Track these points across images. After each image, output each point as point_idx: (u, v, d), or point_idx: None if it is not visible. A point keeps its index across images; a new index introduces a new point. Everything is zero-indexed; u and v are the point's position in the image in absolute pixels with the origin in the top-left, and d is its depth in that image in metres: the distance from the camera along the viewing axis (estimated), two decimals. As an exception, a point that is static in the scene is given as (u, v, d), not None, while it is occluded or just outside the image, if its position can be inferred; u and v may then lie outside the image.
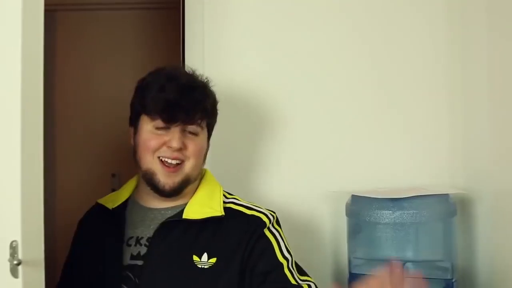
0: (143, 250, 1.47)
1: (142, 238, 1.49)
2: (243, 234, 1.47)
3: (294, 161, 1.99)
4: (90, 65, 2.83)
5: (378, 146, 1.98)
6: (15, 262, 1.05)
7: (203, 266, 1.43)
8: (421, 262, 1.78)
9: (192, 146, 1.48)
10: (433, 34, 1.99)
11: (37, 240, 1.11)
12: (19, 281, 1.06)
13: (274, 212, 1.56)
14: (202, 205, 1.51)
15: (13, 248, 1.06)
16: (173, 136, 1.45)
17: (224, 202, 1.54)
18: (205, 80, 1.56)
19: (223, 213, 1.50)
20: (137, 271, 1.44)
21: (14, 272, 1.06)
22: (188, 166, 1.49)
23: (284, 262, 1.46)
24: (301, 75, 2.00)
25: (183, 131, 1.47)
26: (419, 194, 1.76)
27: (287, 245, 1.52)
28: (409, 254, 1.76)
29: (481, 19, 1.86)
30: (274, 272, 1.44)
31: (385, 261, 1.68)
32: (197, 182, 1.57)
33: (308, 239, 1.97)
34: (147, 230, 1.49)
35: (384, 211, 1.75)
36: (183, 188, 1.50)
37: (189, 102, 1.46)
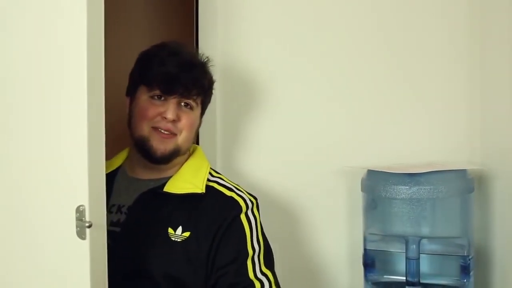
0: (123, 217, 1.57)
1: (123, 206, 1.59)
2: (218, 215, 1.56)
3: (310, 137, 2.03)
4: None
5: (395, 122, 2.01)
6: (86, 224, 1.17)
7: (176, 239, 1.53)
8: (437, 239, 1.83)
9: (186, 119, 1.59)
10: (451, 5, 2.00)
11: (101, 205, 1.24)
12: (86, 242, 1.18)
13: (256, 198, 1.65)
14: (185, 181, 1.60)
15: (80, 212, 1.18)
16: (169, 108, 1.56)
17: (208, 180, 1.62)
18: (205, 60, 1.67)
19: (204, 191, 1.58)
20: (114, 237, 1.50)
21: (81, 234, 1.18)
22: (180, 138, 1.58)
23: (250, 253, 1.54)
24: (314, 50, 2.03)
25: (179, 104, 1.58)
26: (437, 170, 1.80)
27: (259, 235, 1.59)
28: (425, 230, 1.81)
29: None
30: (236, 262, 1.53)
31: (401, 237, 1.78)
32: (185, 156, 1.66)
33: (323, 215, 2.02)
34: (129, 199, 1.59)
35: (400, 186, 1.78)
36: (173, 157, 1.60)
37: (187, 78, 1.57)
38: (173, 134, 1.57)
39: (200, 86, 1.60)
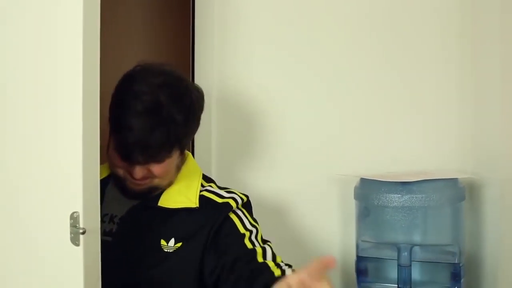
0: (115, 228, 1.56)
1: (116, 216, 1.57)
2: (210, 220, 1.54)
3: (304, 145, 2.06)
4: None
5: (387, 130, 2.03)
6: (80, 231, 1.18)
7: (168, 250, 1.52)
8: (429, 246, 1.86)
9: (157, 170, 1.51)
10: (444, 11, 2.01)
11: (95, 211, 1.24)
12: (80, 248, 1.19)
13: (247, 196, 1.63)
14: (179, 194, 1.57)
15: (74, 219, 1.19)
16: (134, 169, 1.49)
17: (201, 191, 1.60)
18: (180, 96, 1.51)
19: (197, 205, 1.56)
20: (106, 247, 1.47)
21: (75, 241, 1.19)
22: (156, 180, 1.54)
23: (247, 234, 1.53)
24: (306, 58, 2.07)
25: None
26: (428, 178, 1.83)
27: (251, 221, 1.58)
28: (417, 238, 1.84)
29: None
30: (233, 244, 1.51)
31: (393, 245, 1.81)
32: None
33: (316, 222, 2.05)
34: (121, 209, 1.57)
35: (393, 195, 1.81)
36: (152, 192, 1.57)
37: (150, 145, 1.45)
38: (148, 177, 1.52)
39: (167, 148, 1.49)
